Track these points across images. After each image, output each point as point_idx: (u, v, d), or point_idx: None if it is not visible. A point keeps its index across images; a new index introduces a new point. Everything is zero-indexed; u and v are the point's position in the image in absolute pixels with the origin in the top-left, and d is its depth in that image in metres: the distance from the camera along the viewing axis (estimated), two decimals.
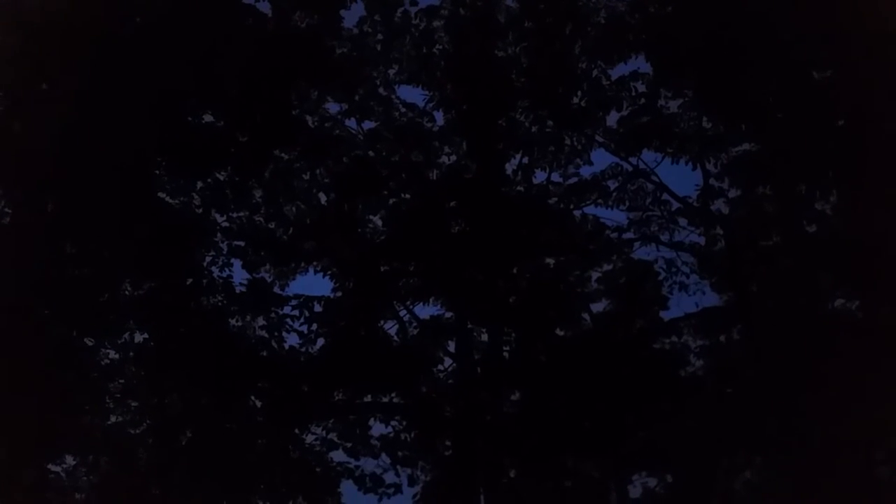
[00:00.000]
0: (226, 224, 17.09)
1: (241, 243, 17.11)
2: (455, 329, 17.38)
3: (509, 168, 18.20)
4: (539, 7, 17.91)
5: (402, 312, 17.68)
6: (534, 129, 18.29)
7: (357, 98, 18.22)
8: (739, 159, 17.24)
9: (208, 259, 16.70)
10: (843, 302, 16.13)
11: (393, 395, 16.95)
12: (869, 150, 15.04)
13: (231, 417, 15.80)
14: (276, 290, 17.39)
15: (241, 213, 17.29)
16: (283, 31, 16.76)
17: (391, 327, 17.45)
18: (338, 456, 16.67)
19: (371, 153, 18.23)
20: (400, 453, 16.79)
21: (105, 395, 15.80)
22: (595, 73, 17.90)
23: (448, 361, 17.32)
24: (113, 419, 15.96)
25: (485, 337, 17.60)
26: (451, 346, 17.43)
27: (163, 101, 15.40)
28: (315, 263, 17.61)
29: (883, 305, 15.15)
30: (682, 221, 18.06)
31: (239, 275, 16.92)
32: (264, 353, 16.58)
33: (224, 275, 16.77)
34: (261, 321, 16.87)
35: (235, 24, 16.16)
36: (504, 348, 17.28)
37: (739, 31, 16.11)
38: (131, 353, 15.99)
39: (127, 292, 15.98)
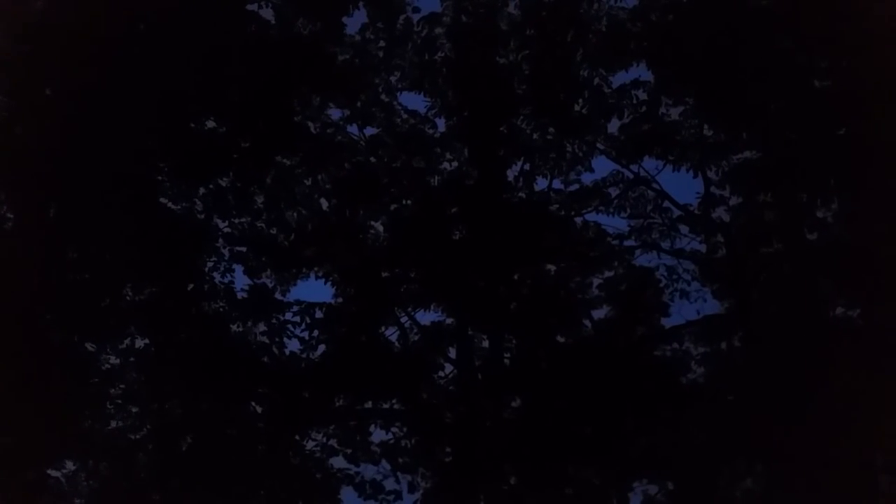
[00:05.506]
0: (227, 230, 17.09)
1: (243, 249, 17.13)
2: (456, 335, 17.34)
3: (511, 175, 18.21)
4: (541, 14, 17.95)
5: (403, 319, 17.68)
6: (535, 136, 18.29)
7: (359, 104, 18.21)
8: (740, 167, 17.28)
9: (210, 264, 16.74)
10: (844, 309, 16.17)
11: (393, 401, 16.93)
12: (869, 159, 15.09)
13: (231, 423, 15.79)
14: (278, 295, 17.37)
15: (243, 219, 17.27)
16: (286, 38, 16.82)
17: (392, 333, 17.47)
18: (338, 462, 16.63)
19: (373, 159, 18.23)
20: (400, 460, 16.71)
21: (105, 401, 15.78)
22: (596, 80, 17.96)
23: (449, 368, 17.29)
24: (113, 424, 15.93)
25: (486, 343, 17.56)
26: (452, 353, 17.40)
27: (165, 106, 15.42)
28: (316, 269, 17.59)
29: (884, 313, 15.17)
30: (684, 229, 18.07)
31: (240, 280, 17.00)
32: (265, 359, 16.58)
33: (225, 280, 16.85)
34: (262, 327, 16.87)
35: (238, 31, 16.21)
36: (505, 355, 17.26)
37: (740, 39, 16.18)
38: (132, 359, 15.98)
39: (128, 297, 15.98)
